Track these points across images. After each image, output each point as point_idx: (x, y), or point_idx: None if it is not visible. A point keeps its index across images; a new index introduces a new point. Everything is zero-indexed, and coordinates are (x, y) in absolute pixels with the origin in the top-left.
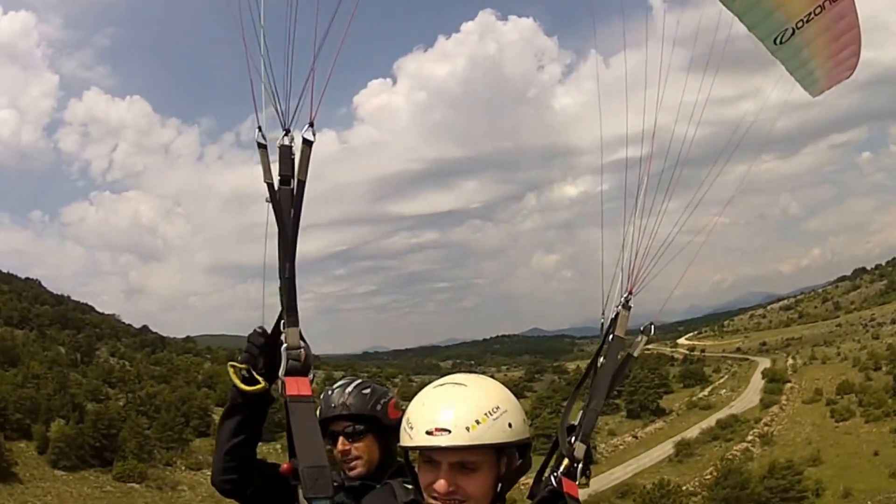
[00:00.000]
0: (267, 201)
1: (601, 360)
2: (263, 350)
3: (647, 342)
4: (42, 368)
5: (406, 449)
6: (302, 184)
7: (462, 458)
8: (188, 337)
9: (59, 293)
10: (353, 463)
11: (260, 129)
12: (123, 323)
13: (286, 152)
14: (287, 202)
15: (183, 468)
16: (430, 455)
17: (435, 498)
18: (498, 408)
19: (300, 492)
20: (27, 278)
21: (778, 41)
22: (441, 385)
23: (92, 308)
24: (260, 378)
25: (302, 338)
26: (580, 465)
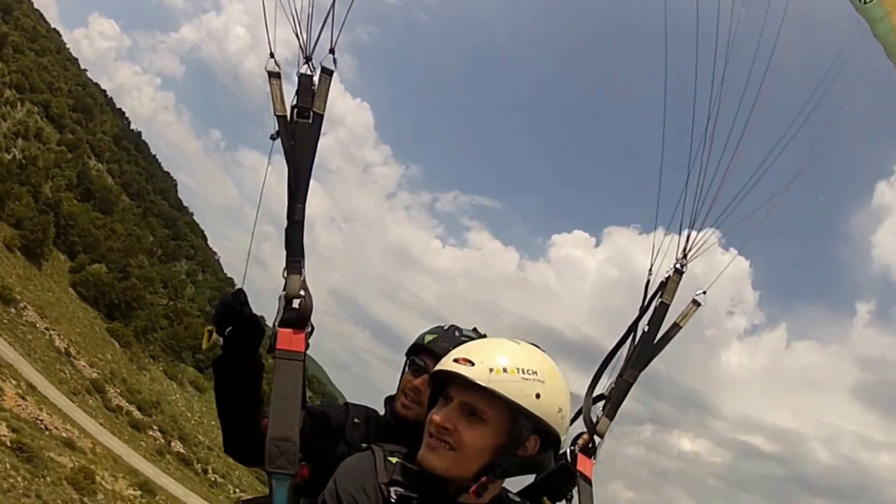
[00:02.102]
0: (272, 138)
1: (643, 326)
2: (230, 309)
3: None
4: (121, 234)
5: (432, 376)
6: (320, 117)
7: (473, 402)
8: (261, 318)
9: (189, 207)
10: (412, 405)
11: (272, 55)
12: (219, 265)
13: (306, 82)
14: (303, 136)
15: None
16: (448, 391)
17: (430, 435)
18: (535, 373)
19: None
20: (168, 173)
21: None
22: (505, 337)
23: (205, 237)
24: (210, 331)
25: (304, 287)
26: (601, 442)
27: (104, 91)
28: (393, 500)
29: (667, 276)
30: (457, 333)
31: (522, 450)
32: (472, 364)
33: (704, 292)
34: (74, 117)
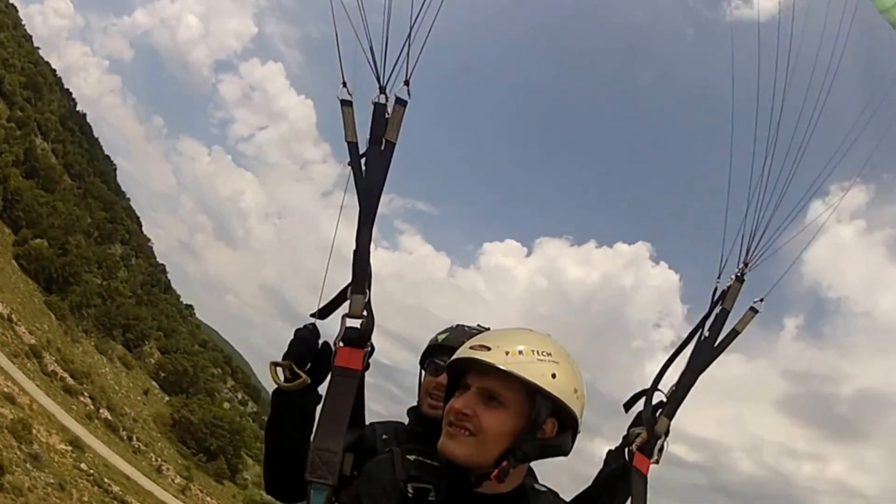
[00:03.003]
0: (348, 164)
1: (705, 332)
2: (310, 345)
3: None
4: (62, 213)
5: (449, 367)
6: (392, 146)
7: (491, 386)
8: (189, 307)
9: (126, 192)
10: (439, 403)
11: (345, 84)
12: (151, 251)
13: (380, 111)
14: (375, 164)
15: None
16: (465, 379)
17: (450, 423)
18: (549, 354)
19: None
20: (109, 156)
21: None
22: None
23: (140, 223)
24: (301, 373)
25: (367, 307)
26: (660, 442)
27: (54, 70)
28: (410, 495)
29: (728, 284)
30: (467, 328)
31: (541, 432)
32: (489, 349)
33: (762, 300)
34: (25, 94)
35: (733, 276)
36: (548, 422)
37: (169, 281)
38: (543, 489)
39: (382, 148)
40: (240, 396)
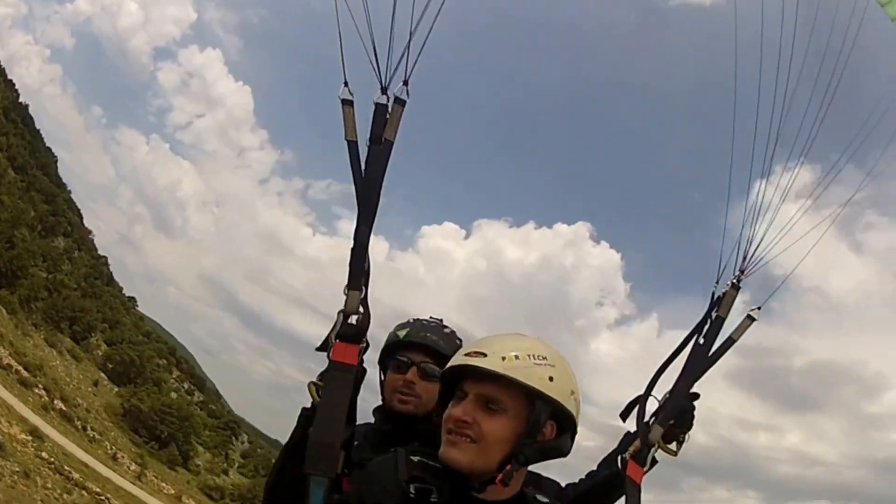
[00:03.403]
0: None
1: (700, 339)
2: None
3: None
4: (8, 206)
5: (443, 374)
6: (390, 144)
7: (489, 392)
8: (132, 299)
9: (67, 184)
10: (409, 398)
11: (346, 83)
12: (93, 244)
13: (381, 111)
14: (374, 162)
15: None
16: (461, 386)
17: (450, 431)
18: (545, 358)
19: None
20: (49, 148)
21: None
22: (512, 332)
23: (81, 215)
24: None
25: (364, 304)
26: (653, 450)
27: None
28: (412, 496)
29: (724, 291)
30: (425, 322)
31: (541, 435)
32: (485, 355)
33: (759, 308)
34: None
35: (729, 283)
36: (547, 425)
37: (111, 273)
38: (545, 500)
39: (381, 147)
40: (186, 386)
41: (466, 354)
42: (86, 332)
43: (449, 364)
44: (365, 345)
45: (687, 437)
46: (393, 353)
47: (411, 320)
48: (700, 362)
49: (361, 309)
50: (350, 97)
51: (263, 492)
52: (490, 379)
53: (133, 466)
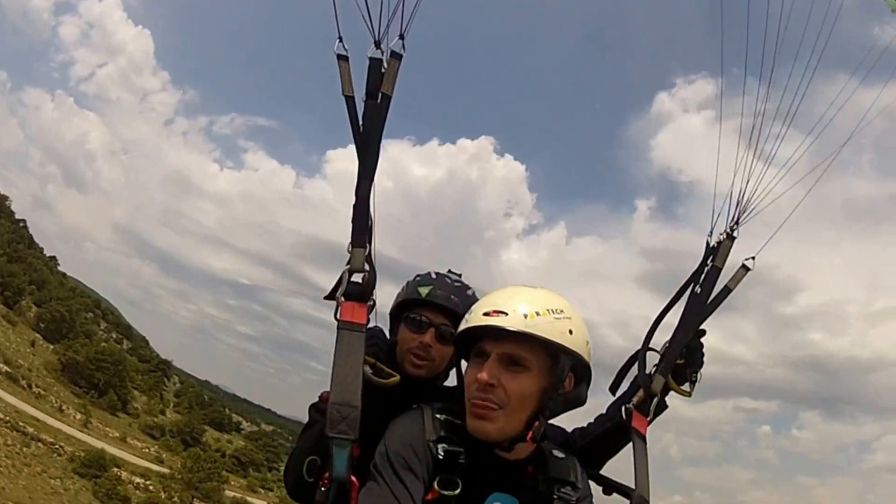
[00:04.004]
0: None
1: (697, 288)
2: (387, 343)
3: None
4: None
5: (459, 335)
6: (388, 98)
7: (512, 351)
8: (53, 258)
9: None
10: (423, 362)
11: (341, 39)
12: (10, 210)
13: (376, 66)
14: (372, 117)
15: None
16: (481, 346)
17: (475, 397)
18: (562, 311)
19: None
20: None
21: None
22: (514, 284)
23: None
24: (392, 371)
25: (369, 261)
26: (655, 400)
27: None
28: (441, 457)
29: (718, 241)
30: (448, 280)
31: (563, 388)
32: (506, 314)
33: (753, 258)
34: None
35: (724, 233)
36: (567, 377)
37: (31, 236)
38: (562, 455)
39: (379, 101)
40: (115, 336)
41: (485, 314)
42: (16, 296)
43: (467, 325)
44: (372, 303)
45: (699, 375)
46: (410, 308)
47: (433, 275)
48: (698, 311)
49: (367, 266)
50: (345, 52)
51: (286, 480)
52: (512, 338)
53: (78, 416)
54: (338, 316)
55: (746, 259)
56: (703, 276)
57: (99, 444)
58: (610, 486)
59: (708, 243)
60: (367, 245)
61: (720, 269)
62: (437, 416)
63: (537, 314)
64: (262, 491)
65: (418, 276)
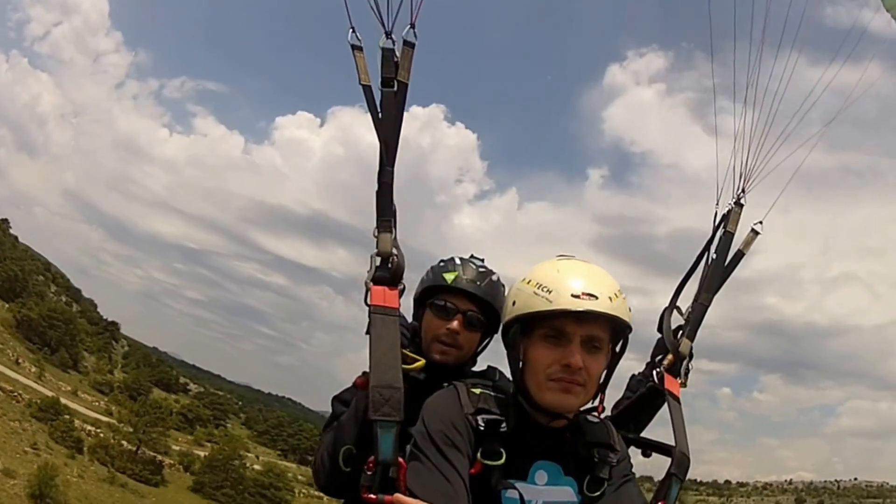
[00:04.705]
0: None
1: (712, 254)
2: (410, 330)
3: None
4: None
5: (539, 315)
6: (405, 86)
7: (593, 333)
8: (5, 220)
9: None
10: (450, 349)
11: (353, 29)
12: None
13: (389, 55)
14: (389, 104)
15: None
16: (560, 327)
17: (557, 379)
18: (621, 290)
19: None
20: None
21: None
22: (567, 258)
23: None
24: (416, 356)
25: (395, 245)
26: (686, 362)
27: None
28: (482, 428)
29: (728, 208)
30: (472, 266)
31: (617, 359)
32: (596, 297)
33: (761, 222)
34: None
35: (732, 201)
36: (622, 347)
37: None
38: (597, 420)
39: (395, 89)
40: (65, 299)
41: (574, 296)
42: None
43: (558, 307)
44: (403, 286)
45: (690, 366)
46: (436, 294)
47: (458, 261)
48: (716, 275)
49: (394, 250)
50: (359, 42)
51: (317, 475)
52: (597, 320)
53: (33, 369)
54: (368, 301)
55: (755, 223)
56: (716, 242)
57: (53, 394)
58: (650, 447)
59: (716, 213)
60: (393, 230)
61: (733, 235)
62: (473, 390)
63: (616, 295)
64: (209, 444)
65: (442, 261)
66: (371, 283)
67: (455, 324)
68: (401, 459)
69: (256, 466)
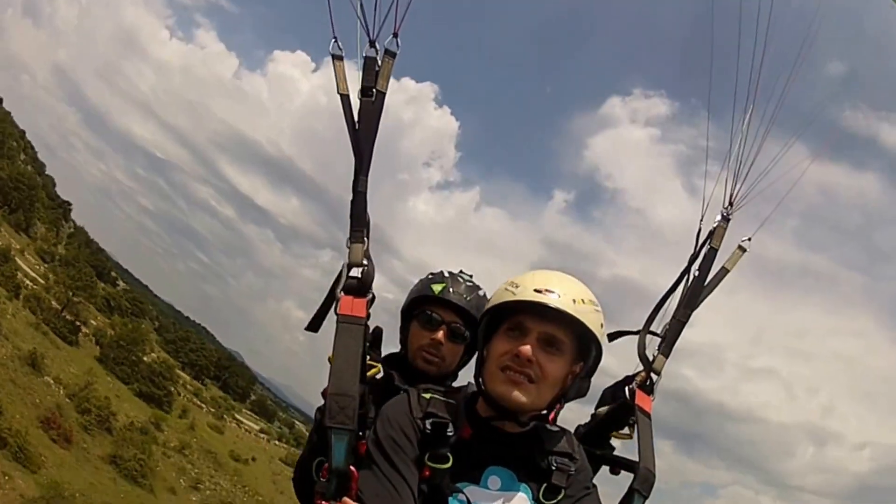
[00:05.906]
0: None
1: (695, 270)
2: (372, 336)
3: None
4: None
5: (502, 306)
6: (382, 95)
7: (554, 332)
8: None
9: None
10: (434, 359)
11: (336, 39)
12: None
13: (371, 64)
14: (367, 114)
15: None
16: (521, 321)
17: (507, 368)
18: (596, 304)
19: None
20: None
21: None
22: (546, 269)
23: None
24: (374, 363)
25: (367, 256)
26: (658, 379)
27: None
28: (428, 431)
29: (714, 224)
30: (461, 279)
31: (579, 375)
32: (557, 295)
33: (749, 239)
34: None
35: (719, 217)
36: (586, 363)
37: None
38: (556, 429)
39: (374, 99)
40: (31, 169)
41: (537, 291)
42: None
43: (514, 297)
44: (371, 296)
45: (635, 418)
46: (422, 305)
47: (446, 274)
48: (697, 293)
49: (365, 261)
50: (340, 52)
51: (296, 486)
52: (556, 319)
53: None
54: (337, 310)
55: (743, 240)
56: (700, 258)
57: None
58: (616, 464)
59: (700, 229)
60: (366, 240)
61: (716, 251)
62: (423, 395)
63: (583, 301)
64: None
65: (431, 274)
66: (341, 293)
67: (440, 334)
68: (353, 468)
69: (154, 355)
